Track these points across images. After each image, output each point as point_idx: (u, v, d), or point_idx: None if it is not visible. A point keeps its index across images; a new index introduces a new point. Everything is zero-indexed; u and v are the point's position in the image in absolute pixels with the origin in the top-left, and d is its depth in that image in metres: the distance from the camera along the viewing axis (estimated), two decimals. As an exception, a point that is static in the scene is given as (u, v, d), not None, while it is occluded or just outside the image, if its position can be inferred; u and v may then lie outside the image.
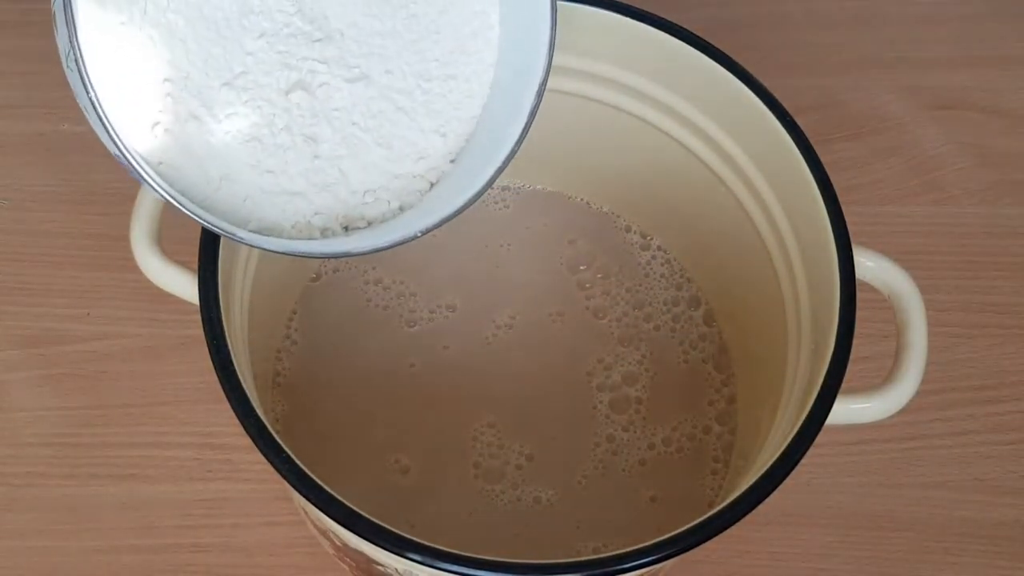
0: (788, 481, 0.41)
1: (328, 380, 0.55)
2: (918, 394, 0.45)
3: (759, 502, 0.40)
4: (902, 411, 0.45)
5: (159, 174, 0.40)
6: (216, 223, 0.41)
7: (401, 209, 0.46)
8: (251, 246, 0.42)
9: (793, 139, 0.47)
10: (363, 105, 0.44)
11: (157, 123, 0.41)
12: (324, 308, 0.56)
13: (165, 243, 0.46)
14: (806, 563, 0.55)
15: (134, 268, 0.46)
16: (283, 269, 0.53)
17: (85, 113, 0.39)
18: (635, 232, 0.59)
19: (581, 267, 0.58)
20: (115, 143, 0.38)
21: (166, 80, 0.40)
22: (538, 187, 0.60)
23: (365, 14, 0.44)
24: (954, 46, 0.71)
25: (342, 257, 0.43)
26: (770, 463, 0.41)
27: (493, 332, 0.56)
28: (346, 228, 0.45)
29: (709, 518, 0.40)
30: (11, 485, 0.55)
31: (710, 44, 0.49)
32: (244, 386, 0.41)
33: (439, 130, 0.46)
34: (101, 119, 0.38)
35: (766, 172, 0.50)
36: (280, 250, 0.42)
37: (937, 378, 0.58)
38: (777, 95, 0.48)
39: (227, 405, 0.41)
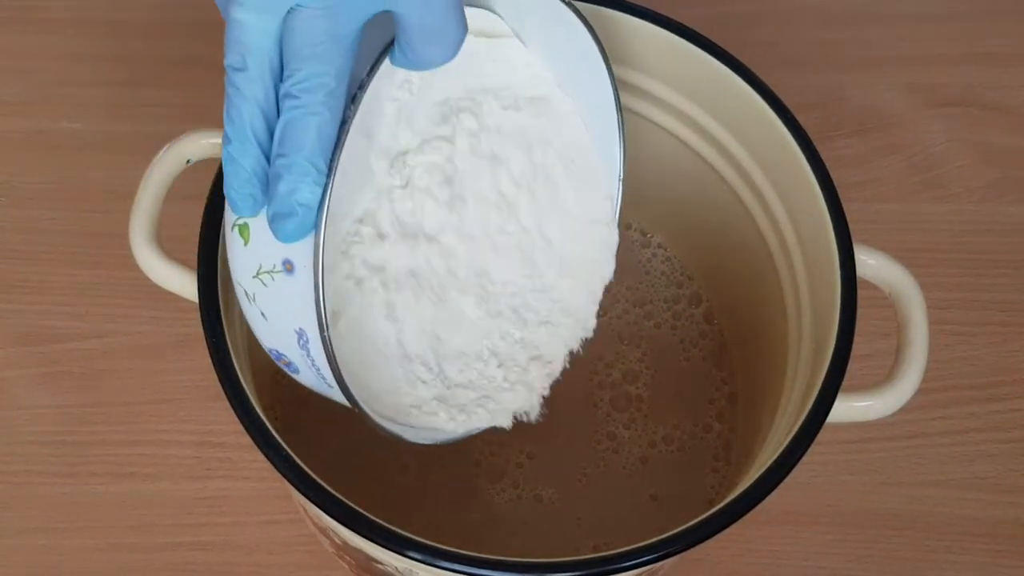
0: (789, 479, 0.41)
1: (328, 378, 0.54)
2: (919, 392, 0.45)
3: (760, 500, 0.40)
4: (903, 409, 0.44)
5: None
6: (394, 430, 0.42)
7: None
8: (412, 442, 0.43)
9: (794, 136, 0.47)
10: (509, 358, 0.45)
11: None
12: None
13: (164, 241, 0.45)
14: (807, 562, 0.55)
15: (133, 266, 0.46)
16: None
17: (292, 371, 0.40)
18: (635, 229, 0.59)
19: (581, 265, 0.58)
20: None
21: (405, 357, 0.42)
22: (538, 184, 0.60)
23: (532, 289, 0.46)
24: (956, 43, 0.71)
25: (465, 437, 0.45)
26: (771, 461, 0.41)
27: (493, 330, 0.56)
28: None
29: (709, 516, 0.40)
30: (10, 483, 0.55)
31: (710, 40, 0.49)
32: (243, 384, 0.41)
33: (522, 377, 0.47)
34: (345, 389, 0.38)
35: (766, 169, 0.50)
36: (441, 440, 0.44)
37: (938, 376, 0.58)
38: (778, 92, 0.48)
39: (227, 403, 0.41)
